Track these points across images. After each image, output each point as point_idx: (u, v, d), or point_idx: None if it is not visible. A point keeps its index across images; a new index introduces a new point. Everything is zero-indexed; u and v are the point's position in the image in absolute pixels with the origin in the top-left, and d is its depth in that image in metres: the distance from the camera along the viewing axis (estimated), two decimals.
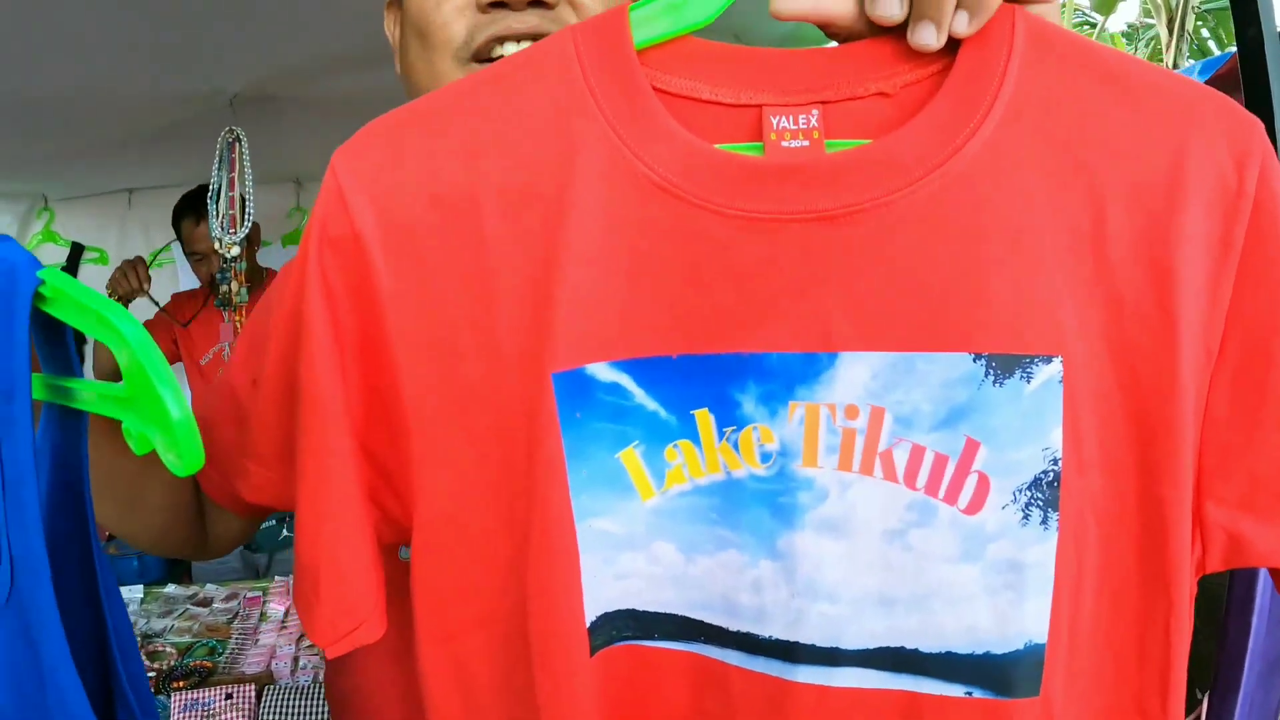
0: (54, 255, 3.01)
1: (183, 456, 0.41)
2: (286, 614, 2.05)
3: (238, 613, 2.09)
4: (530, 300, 0.45)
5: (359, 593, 0.49)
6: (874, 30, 0.45)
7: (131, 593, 2.20)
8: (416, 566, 0.49)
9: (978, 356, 0.42)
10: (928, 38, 0.44)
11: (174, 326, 2.47)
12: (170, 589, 2.25)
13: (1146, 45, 8.02)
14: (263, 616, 2.04)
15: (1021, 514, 0.43)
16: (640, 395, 0.45)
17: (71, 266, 3.00)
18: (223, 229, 2.05)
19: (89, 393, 0.48)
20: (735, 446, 0.45)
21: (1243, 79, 1.21)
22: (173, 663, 1.81)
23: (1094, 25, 8.20)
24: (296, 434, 0.49)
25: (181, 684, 1.72)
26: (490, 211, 0.46)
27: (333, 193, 0.47)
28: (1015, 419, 0.42)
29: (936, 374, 0.42)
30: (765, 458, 0.45)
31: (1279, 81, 1.11)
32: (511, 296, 0.45)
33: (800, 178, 0.43)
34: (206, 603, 2.16)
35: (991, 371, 0.42)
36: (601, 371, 0.45)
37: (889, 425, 0.43)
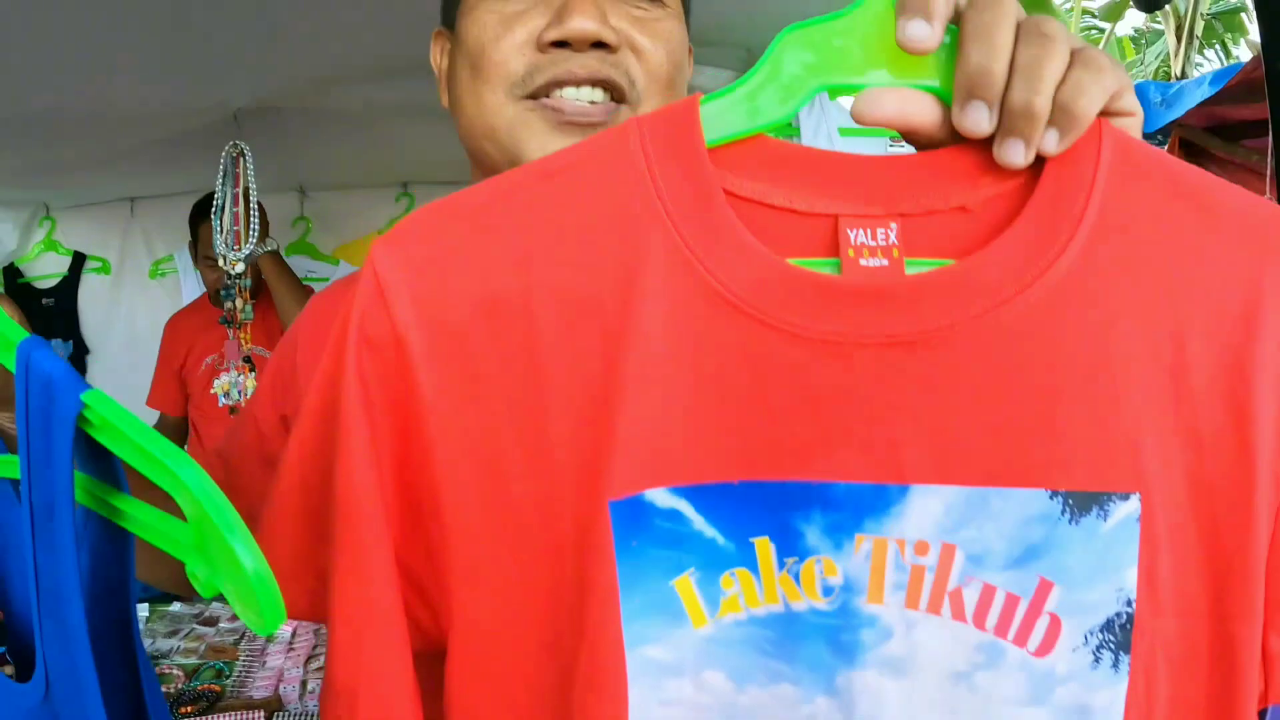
0: (56, 264, 2.98)
1: (264, 614, 0.37)
2: (293, 634, 2.04)
3: (244, 632, 2.08)
4: (587, 420, 0.43)
5: (400, 716, 0.47)
6: (955, 137, 0.44)
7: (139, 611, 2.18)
8: (452, 684, 0.47)
9: (1055, 493, 0.41)
10: (1015, 156, 0.42)
11: (183, 354, 2.45)
12: (176, 607, 2.24)
13: (1156, 56, 7.98)
14: (269, 637, 2.03)
15: (1092, 657, 0.41)
16: (699, 522, 0.43)
17: (74, 276, 2.98)
18: (226, 245, 2.02)
19: (143, 519, 0.45)
20: (796, 578, 0.43)
21: (1271, 112, 1.19)
22: (180, 685, 1.80)
23: (1102, 32, 8.16)
24: (332, 550, 0.46)
25: (189, 709, 1.71)
26: (546, 320, 0.43)
27: (372, 288, 0.45)
28: (1090, 558, 0.41)
29: (1012, 511, 0.41)
30: (828, 591, 0.43)
31: None
32: (566, 414, 0.43)
33: (878, 300, 0.42)
34: (213, 622, 2.15)
35: (1068, 509, 0.41)
36: (660, 498, 0.43)
37: (960, 563, 0.42)
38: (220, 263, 2.04)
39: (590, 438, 0.43)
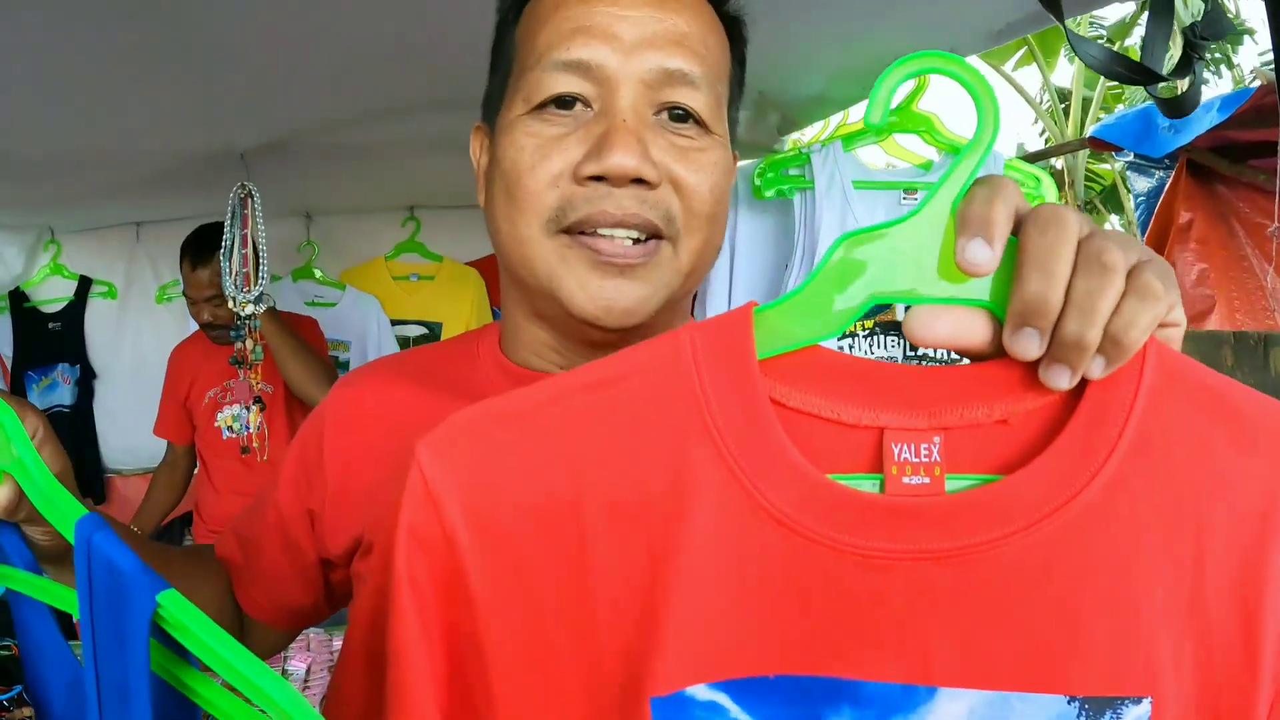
0: (62, 288, 2.98)
1: None
2: (308, 672, 2.04)
3: None
4: (632, 620, 0.45)
5: None
6: (1003, 350, 0.45)
7: None
8: None
9: (1072, 699, 0.43)
10: (1060, 382, 0.44)
11: (185, 387, 2.47)
12: None
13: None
14: (285, 674, 2.04)
15: None
16: (735, 711, 0.45)
17: (80, 300, 2.98)
18: (236, 287, 2.02)
19: (217, 703, 0.46)
20: None
21: None
22: None
23: (1113, 42, 8.12)
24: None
25: None
26: (595, 525, 0.45)
27: (419, 489, 0.47)
28: None
29: (1031, 714, 0.43)
30: None
31: None
32: (612, 615, 0.45)
33: (918, 519, 0.43)
34: None
35: (1085, 713, 0.43)
36: (700, 692, 0.45)
37: None
38: (230, 304, 2.04)
39: (635, 637, 0.45)
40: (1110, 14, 8.16)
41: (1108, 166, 8.43)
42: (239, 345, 2.10)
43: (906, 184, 1.79)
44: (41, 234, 2.95)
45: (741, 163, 2.31)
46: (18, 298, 2.95)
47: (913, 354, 1.92)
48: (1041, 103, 9.08)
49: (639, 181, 0.62)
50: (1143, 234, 3.17)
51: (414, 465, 0.47)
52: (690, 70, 0.63)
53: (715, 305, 1.93)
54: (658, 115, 0.64)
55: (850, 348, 1.87)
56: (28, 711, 1.85)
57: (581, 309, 0.64)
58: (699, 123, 0.65)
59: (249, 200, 2.02)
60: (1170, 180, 3.01)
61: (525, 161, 0.64)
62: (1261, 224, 3.20)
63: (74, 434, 2.96)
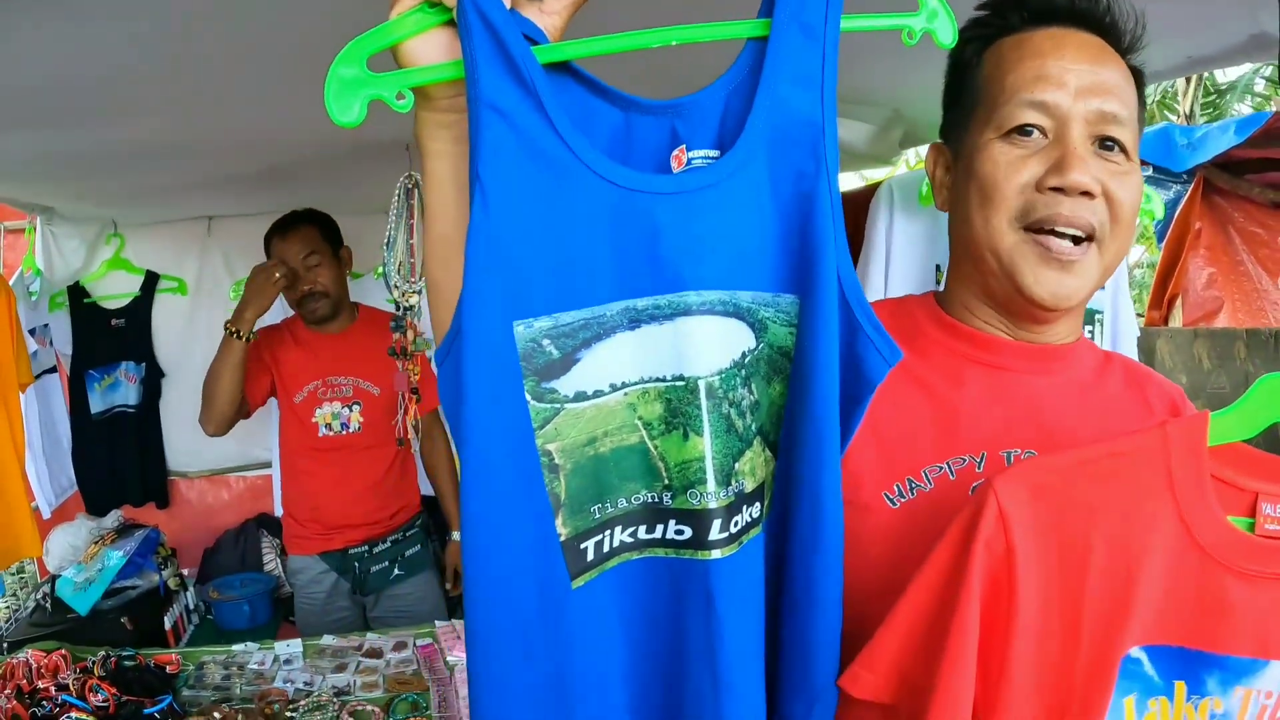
0: (127, 283, 2.86)
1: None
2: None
3: (417, 662, 2.08)
4: (1109, 609, 0.68)
5: None
6: None
7: (291, 649, 2.15)
8: None
9: None
10: None
11: (270, 361, 2.40)
12: (328, 640, 2.21)
13: (1157, 88, 8.51)
14: (448, 666, 2.04)
15: None
16: (1148, 667, 0.70)
17: (146, 296, 2.87)
18: (401, 276, 2.03)
19: None
20: (1196, 708, 0.71)
21: None
22: None
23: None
24: (941, 662, 0.68)
25: None
26: (1098, 548, 0.68)
27: (995, 512, 0.68)
28: None
29: None
30: (1213, 718, 0.71)
31: None
32: (1096, 604, 0.68)
33: (1274, 551, 0.69)
34: (377, 653, 2.13)
35: None
36: (1135, 651, 0.70)
37: None
38: (393, 294, 2.04)
39: (1109, 620, 0.68)
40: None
41: None
42: (397, 336, 2.09)
43: None
44: (104, 227, 2.83)
45: (901, 173, 2.44)
46: (77, 293, 2.82)
47: None
48: None
49: (1085, 194, 0.79)
50: (1159, 241, 3.47)
51: (990, 495, 0.68)
52: (1119, 112, 0.81)
53: (873, 291, 2.04)
54: (1094, 144, 0.81)
55: None
56: None
57: (1031, 290, 0.82)
58: (1124, 151, 0.82)
59: (415, 190, 2.02)
60: (1189, 193, 3.30)
61: (1001, 173, 0.82)
62: (1255, 233, 3.55)
63: (139, 435, 2.85)
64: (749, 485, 0.70)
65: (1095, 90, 0.81)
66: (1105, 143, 0.81)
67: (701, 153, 0.69)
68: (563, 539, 0.66)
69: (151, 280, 2.88)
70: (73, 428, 2.80)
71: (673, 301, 0.66)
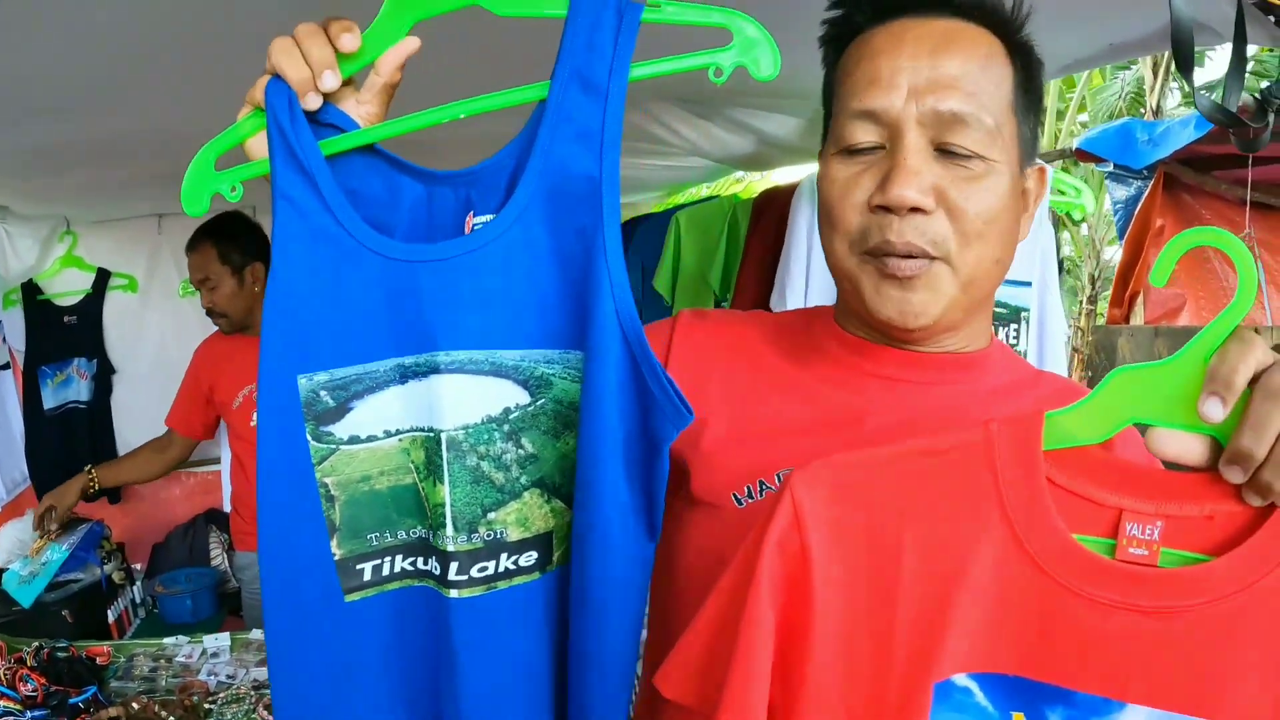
0: (79, 280, 2.90)
1: (774, 57, 0.72)
2: None
3: None
4: (923, 624, 0.61)
5: None
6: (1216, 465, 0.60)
7: (219, 642, 2.18)
8: None
9: None
10: (1254, 502, 0.59)
11: (206, 384, 2.47)
12: (256, 634, 2.23)
13: (1130, 85, 8.42)
14: None
15: None
16: (979, 697, 0.63)
17: (98, 293, 2.91)
18: None
19: None
20: None
21: None
22: None
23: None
24: (731, 664, 0.62)
25: None
26: (910, 553, 0.62)
27: (789, 509, 0.63)
28: None
29: None
30: None
31: None
32: (908, 620, 0.61)
33: (1136, 582, 0.60)
34: None
35: None
36: (960, 679, 0.62)
37: None
38: None
39: (924, 638, 0.61)
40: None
41: (1070, 179, 8.91)
42: None
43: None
44: (56, 225, 2.86)
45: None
46: (31, 290, 2.86)
47: None
48: None
49: (917, 210, 0.73)
50: (1120, 237, 3.44)
51: (787, 491, 0.62)
52: (962, 109, 0.72)
53: (794, 289, 2.04)
54: (939, 149, 0.73)
55: None
56: (114, 712, 1.84)
57: (879, 311, 0.76)
58: (976, 154, 0.73)
59: None
60: (1149, 189, 3.27)
61: (835, 194, 0.77)
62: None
63: (91, 431, 2.89)
64: (513, 535, 0.76)
65: (932, 87, 0.72)
66: (954, 145, 0.73)
67: (486, 217, 0.73)
68: (337, 558, 0.75)
69: (103, 277, 2.91)
70: (26, 423, 2.84)
71: (428, 360, 0.73)
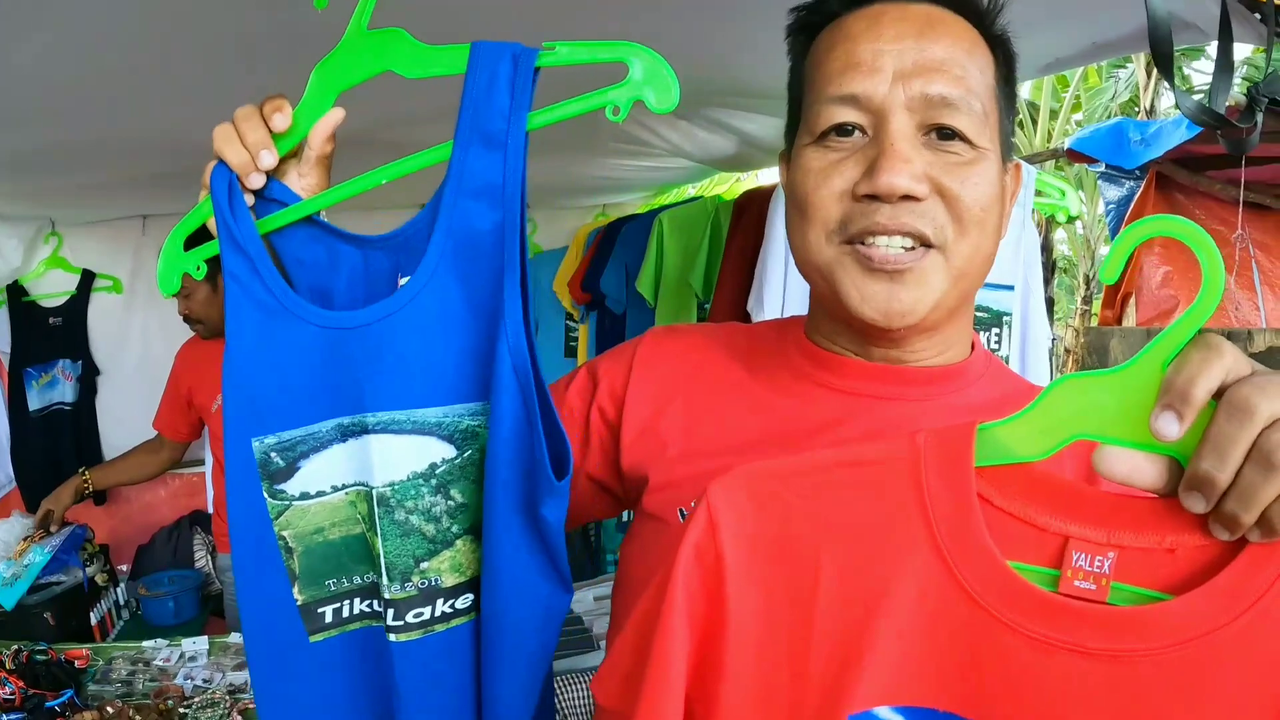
0: (64, 282, 2.90)
1: (673, 90, 0.71)
2: None
3: None
4: (843, 651, 0.55)
5: None
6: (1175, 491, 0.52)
7: (197, 645, 2.17)
8: None
9: None
10: (1220, 536, 0.51)
11: (187, 389, 2.48)
12: (234, 638, 2.22)
13: (1125, 86, 8.37)
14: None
15: None
16: None
17: (83, 294, 2.90)
18: None
19: None
20: None
21: None
22: None
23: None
24: (644, 676, 0.58)
25: None
26: (828, 570, 0.56)
27: (705, 516, 0.58)
28: None
29: None
30: None
31: None
32: (826, 642, 0.56)
33: (1082, 620, 0.52)
34: None
35: None
36: (884, 713, 0.55)
37: None
38: None
39: (843, 664, 0.55)
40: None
41: (1062, 175, 8.88)
42: None
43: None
44: (42, 226, 2.86)
45: None
46: (16, 291, 2.85)
47: None
48: None
49: (908, 198, 0.68)
50: (1112, 237, 3.42)
51: (705, 499, 0.58)
52: (951, 93, 0.69)
53: (771, 290, 2.02)
54: (926, 135, 0.70)
55: None
56: (90, 716, 1.84)
57: (858, 310, 0.71)
58: (964, 139, 0.70)
59: None
60: (1141, 189, 3.25)
61: (811, 183, 0.72)
62: (1216, 230, 3.48)
63: (76, 433, 2.88)
64: (447, 581, 0.79)
65: (919, 70, 0.69)
66: (941, 131, 0.70)
67: (408, 279, 0.76)
68: (299, 603, 0.80)
69: (88, 279, 2.91)
70: (11, 425, 2.84)
71: (360, 421, 0.76)
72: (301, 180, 0.77)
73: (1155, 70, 6.66)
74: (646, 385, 0.84)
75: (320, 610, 0.81)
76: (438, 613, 0.79)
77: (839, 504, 0.57)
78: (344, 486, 0.79)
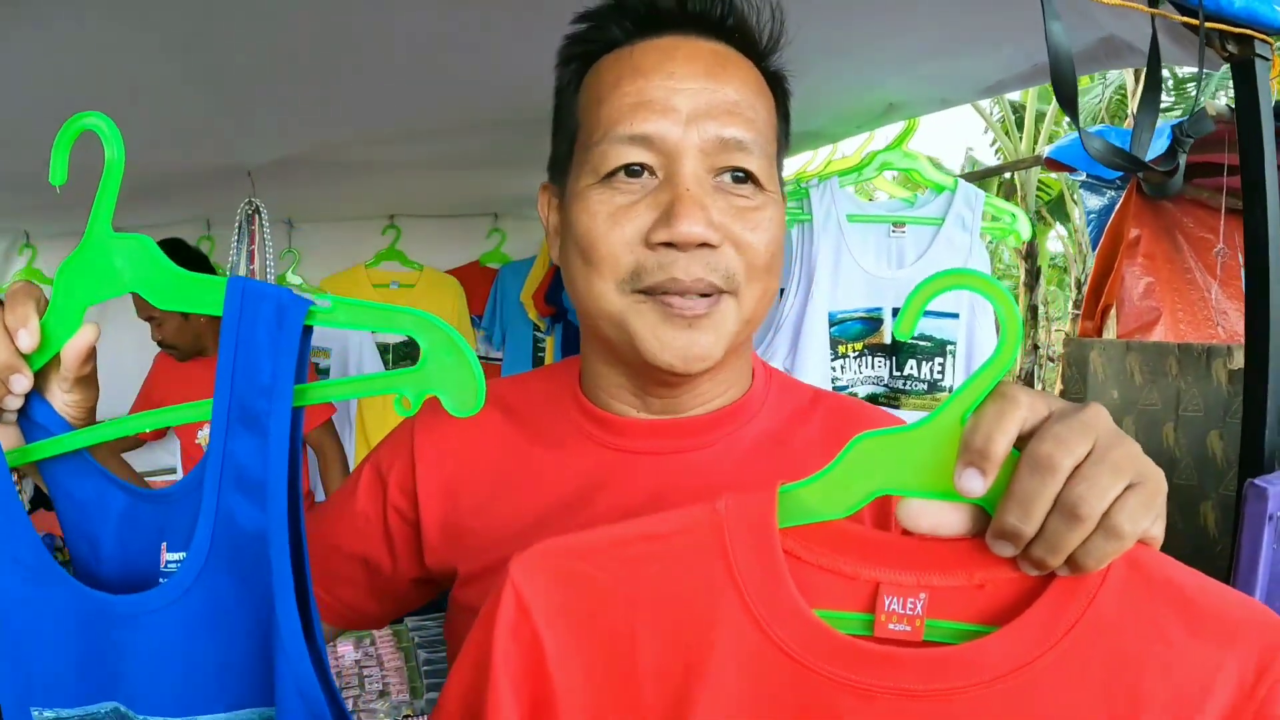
0: None
1: (478, 394, 0.58)
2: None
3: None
4: None
5: None
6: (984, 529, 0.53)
7: None
8: None
9: None
10: (1030, 572, 0.52)
11: (157, 401, 2.54)
12: None
13: (1112, 85, 8.22)
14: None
15: None
16: None
17: None
18: None
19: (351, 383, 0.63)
20: None
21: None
22: None
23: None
24: None
25: None
26: (645, 646, 0.56)
27: (512, 597, 0.57)
28: None
29: None
30: None
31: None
32: (654, 714, 0.55)
33: (897, 664, 0.53)
34: None
35: None
36: None
37: None
38: None
39: None
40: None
41: (1055, 176, 8.73)
42: None
43: (895, 218, 1.90)
44: (16, 238, 2.90)
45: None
46: None
47: (898, 373, 2.03)
48: (993, 115, 9.39)
49: (704, 245, 0.68)
50: (1094, 248, 3.36)
51: (508, 578, 0.57)
52: (743, 137, 0.69)
53: None
54: (717, 178, 0.69)
55: (842, 368, 1.97)
56: None
57: (657, 358, 0.70)
58: (755, 182, 0.70)
59: (256, 217, 2.04)
60: (1122, 199, 3.18)
61: (600, 228, 0.69)
62: (1205, 238, 3.41)
63: None
64: None
65: (713, 112, 0.68)
66: (733, 175, 0.69)
67: (176, 556, 0.67)
68: None
69: None
70: None
71: (132, 715, 0.67)
72: (65, 397, 0.68)
73: (1142, 78, 6.51)
74: (432, 479, 0.82)
75: None
76: None
77: (646, 579, 0.56)
78: None
